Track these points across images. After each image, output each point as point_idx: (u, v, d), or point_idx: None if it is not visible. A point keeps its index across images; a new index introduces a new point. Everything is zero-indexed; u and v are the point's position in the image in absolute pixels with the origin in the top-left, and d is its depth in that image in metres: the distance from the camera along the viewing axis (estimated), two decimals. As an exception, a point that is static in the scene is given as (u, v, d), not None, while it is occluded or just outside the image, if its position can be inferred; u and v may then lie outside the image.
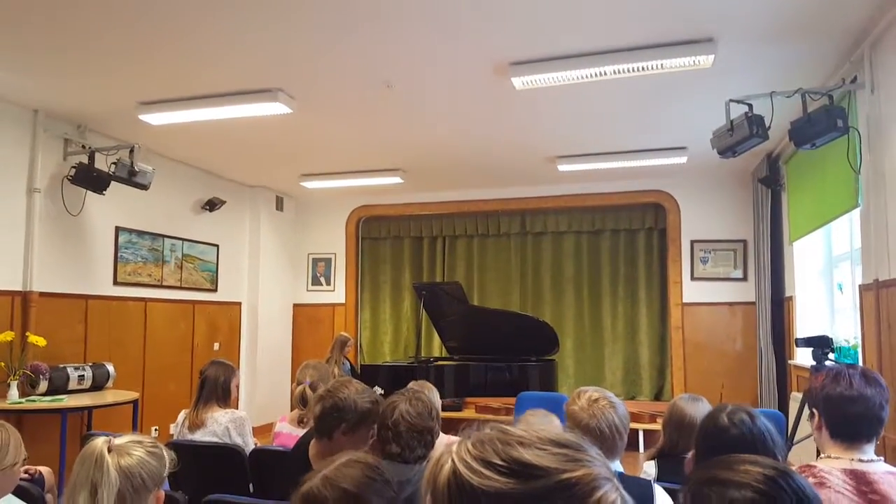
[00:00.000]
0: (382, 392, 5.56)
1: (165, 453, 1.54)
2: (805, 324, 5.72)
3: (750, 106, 3.83)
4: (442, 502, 0.70)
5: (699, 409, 2.56)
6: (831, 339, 3.51)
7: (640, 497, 1.86)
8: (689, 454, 2.08)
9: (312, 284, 8.49)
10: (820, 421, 1.75)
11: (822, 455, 1.76)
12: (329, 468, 1.46)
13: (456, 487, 0.69)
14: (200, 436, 3.02)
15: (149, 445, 1.51)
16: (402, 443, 2.07)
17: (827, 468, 1.64)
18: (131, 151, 5.07)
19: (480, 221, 8.12)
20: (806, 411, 2.47)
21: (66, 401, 4.58)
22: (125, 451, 1.46)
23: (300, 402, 3.12)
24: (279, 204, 8.11)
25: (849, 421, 1.69)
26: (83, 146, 5.25)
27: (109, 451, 1.43)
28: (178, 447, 2.89)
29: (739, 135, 3.84)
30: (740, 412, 1.87)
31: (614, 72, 3.96)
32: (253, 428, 3.32)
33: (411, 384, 3.30)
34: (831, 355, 3.50)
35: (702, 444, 1.87)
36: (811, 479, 1.59)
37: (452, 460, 0.71)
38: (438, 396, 3.27)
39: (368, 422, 2.20)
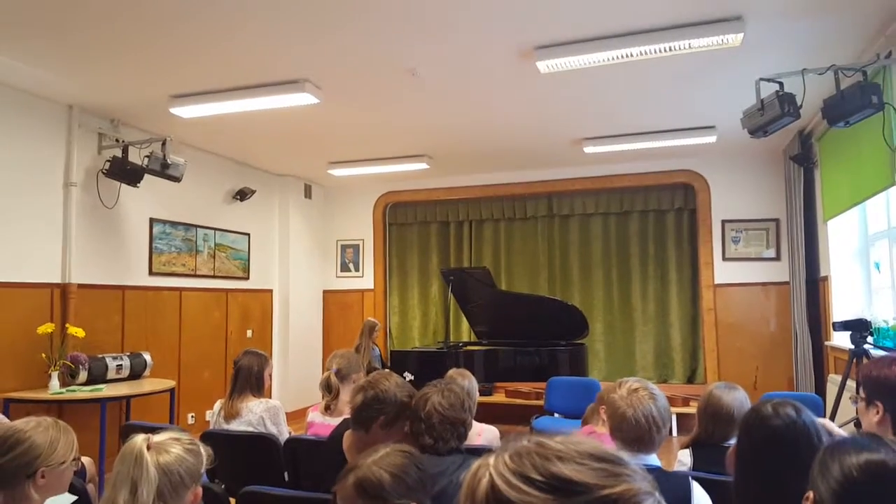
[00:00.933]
0: (412, 378, 5.64)
1: (203, 450, 1.59)
2: (841, 304, 5.60)
3: (781, 84, 3.74)
4: None
5: (735, 397, 2.54)
6: (870, 322, 3.45)
7: (678, 493, 1.84)
8: (731, 446, 2.06)
9: (341, 271, 8.58)
10: (884, 415, 1.64)
11: None
12: (377, 456, 1.52)
13: (495, 502, 0.68)
14: (236, 426, 3.09)
15: (187, 443, 1.56)
16: (435, 434, 2.10)
17: None
18: (163, 144, 5.17)
19: (507, 205, 8.09)
20: (847, 395, 2.41)
21: (105, 390, 4.71)
22: (164, 448, 1.51)
23: (325, 388, 3.17)
24: (307, 192, 8.18)
25: None
26: (117, 140, 5.36)
27: (149, 448, 1.48)
28: (213, 437, 2.99)
29: (770, 114, 3.75)
30: (787, 405, 1.79)
31: (641, 53, 3.89)
32: (287, 414, 3.39)
33: (450, 372, 3.34)
34: (870, 338, 3.43)
35: (743, 436, 1.81)
36: None
37: (490, 474, 0.70)
38: (476, 384, 3.28)
39: (404, 416, 2.23)
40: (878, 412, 1.65)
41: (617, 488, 0.66)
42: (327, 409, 3.16)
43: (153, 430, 1.64)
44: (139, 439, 1.50)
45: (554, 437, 0.72)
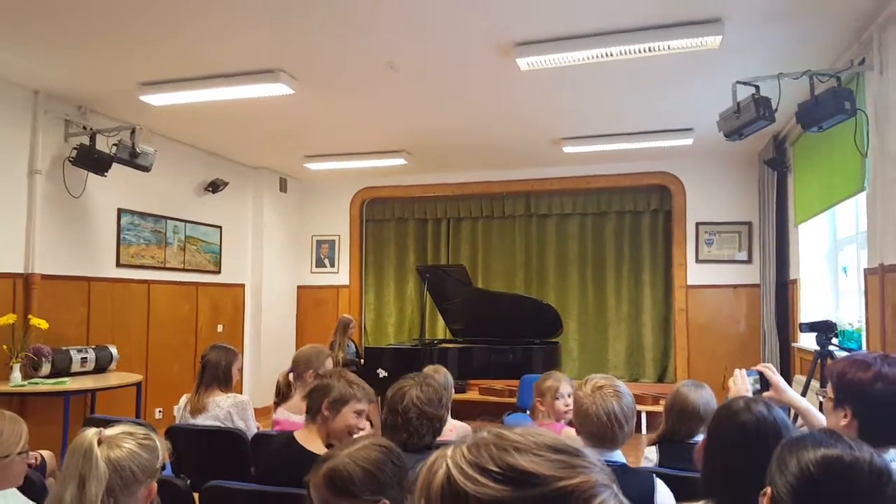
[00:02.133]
0: (386, 375, 5.59)
1: (160, 444, 1.52)
2: (809, 307, 5.70)
3: (757, 88, 3.77)
4: None
5: (702, 395, 2.56)
6: (835, 324, 3.50)
7: (641, 489, 1.84)
8: (699, 442, 2.06)
9: (316, 266, 8.49)
10: (852, 420, 1.61)
11: None
12: (352, 448, 1.49)
13: (450, 494, 0.67)
14: (202, 420, 3.03)
15: (141, 437, 1.49)
16: (411, 429, 2.06)
17: None
18: (133, 133, 5.04)
19: (485, 203, 8.08)
20: (813, 395, 2.43)
21: (69, 383, 4.60)
22: (115, 443, 1.45)
23: (276, 390, 3.19)
24: (283, 185, 8.08)
25: (887, 423, 1.56)
26: (84, 127, 5.22)
27: (100, 443, 1.42)
28: (179, 431, 2.92)
29: (746, 117, 3.78)
30: (758, 401, 1.76)
31: (620, 52, 3.90)
32: (256, 410, 3.34)
33: (426, 369, 3.31)
34: (835, 340, 3.48)
35: (714, 430, 1.76)
36: None
37: (447, 465, 0.69)
38: (451, 380, 3.26)
39: (351, 400, 2.28)
40: (846, 416, 1.63)
41: (573, 480, 0.65)
42: (276, 407, 3.19)
43: (108, 423, 1.58)
44: (90, 433, 1.44)
45: (514, 429, 0.71)
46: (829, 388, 1.72)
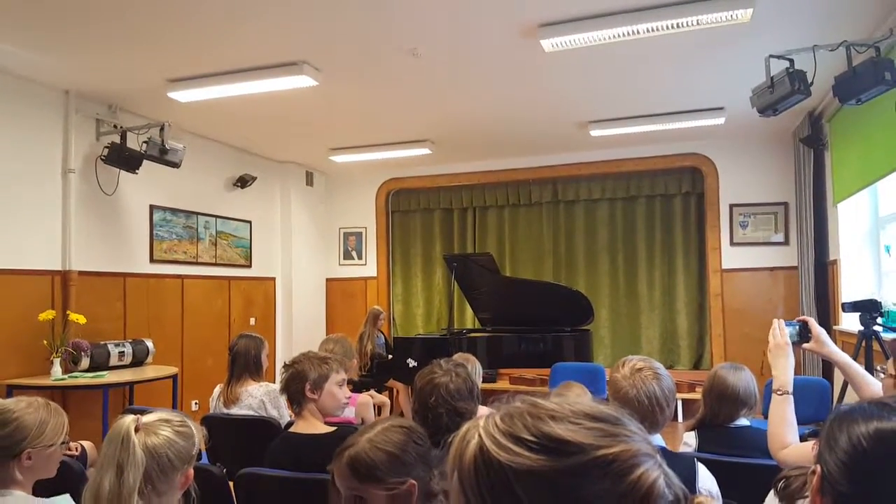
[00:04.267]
0: (415, 365, 5.59)
1: (196, 431, 1.52)
2: (851, 288, 5.52)
3: (791, 61, 3.65)
4: (469, 481, 0.65)
5: (741, 377, 2.49)
6: (880, 302, 3.37)
7: (683, 474, 1.79)
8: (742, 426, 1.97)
9: (344, 259, 8.53)
10: None
11: None
12: (372, 432, 1.47)
13: (483, 465, 0.64)
14: (236, 411, 3.05)
15: (177, 424, 1.49)
16: (441, 426, 2.00)
17: None
18: (162, 129, 5.10)
19: (511, 191, 8.01)
20: (882, 375, 2.31)
21: (108, 377, 4.69)
22: (152, 430, 1.45)
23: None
24: (309, 179, 8.12)
25: None
26: (115, 126, 5.30)
27: (137, 430, 1.43)
28: (214, 420, 2.95)
29: (780, 92, 3.66)
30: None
31: (648, 30, 3.80)
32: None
33: (455, 356, 3.28)
34: (880, 319, 3.36)
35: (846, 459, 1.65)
36: None
37: (479, 435, 0.66)
38: (480, 368, 3.22)
39: (329, 378, 2.38)
40: None
41: (613, 448, 0.62)
42: None
43: (145, 412, 1.59)
44: (127, 420, 1.44)
45: (550, 398, 0.68)
46: (889, 364, 1.63)
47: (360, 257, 8.46)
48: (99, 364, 4.85)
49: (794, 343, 2.04)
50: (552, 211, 8.00)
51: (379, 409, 4.88)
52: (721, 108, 5.72)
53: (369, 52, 4.32)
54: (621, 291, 7.70)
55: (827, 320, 5.98)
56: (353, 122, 6.05)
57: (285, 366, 2.45)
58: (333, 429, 2.32)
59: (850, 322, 4.97)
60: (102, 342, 5.00)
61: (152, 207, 5.88)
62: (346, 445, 1.46)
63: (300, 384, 2.32)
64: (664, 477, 0.63)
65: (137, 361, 5.20)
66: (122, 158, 5.14)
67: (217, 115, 5.69)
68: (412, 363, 5.63)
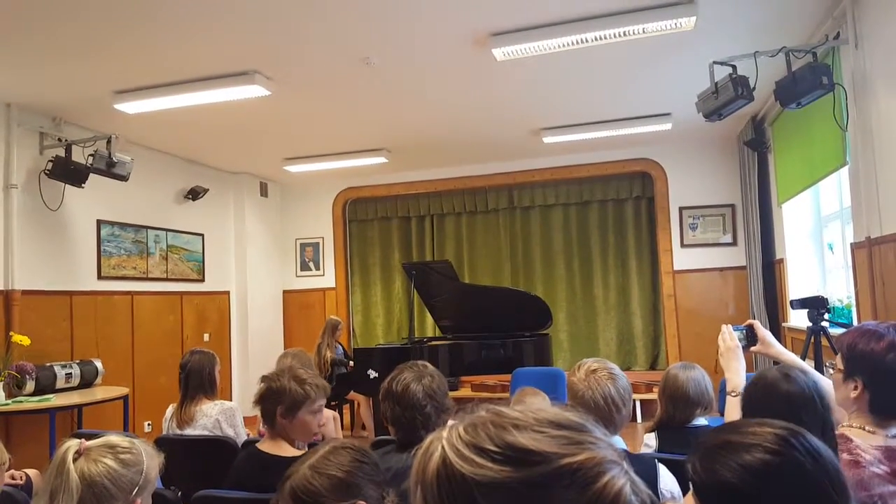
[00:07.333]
0: (376, 376, 5.54)
1: (146, 457, 1.44)
2: (797, 286, 5.72)
3: (734, 67, 3.76)
4: (432, 495, 0.63)
5: (691, 376, 2.54)
6: (826, 299, 3.48)
7: (644, 476, 1.80)
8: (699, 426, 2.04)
9: (301, 270, 8.41)
10: (863, 392, 1.56)
11: (850, 424, 1.61)
12: (314, 458, 1.39)
13: (446, 478, 0.62)
14: (191, 432, 2.96)
15: (121, 451, 1.41)
16: (430, 425, 1.97)
17: (863, 445, 1.51)
18: (108, 142, 4.95)
19: (468, 198, 8.04)
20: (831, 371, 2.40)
21: (54, 400, 4.49)
22: (92, 457, 1.37)
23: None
24: (263, 190, 7.99)
25: None
26: (59, 139, 5.12)
27: (78, 455, 1.35)
28: (168, 442, 2.86)
29: (724, 97, 3.77)
30: (790, 368, 1.72)
31: (595, 38, 3.88)
32: (245, 418, 3.27)
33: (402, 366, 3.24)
34: (827, 315, 3.47)
35: (748, 407, 1.71)
36: (845, 456, 1.48)
37: (443, 447, 0.64)
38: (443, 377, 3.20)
39: (303, 406, 2.25)
40: (856, 388, 1.57)
41: (578, 457, 0.61)
42: None
43: (95, 436, 1.52)
44: (67, 445, 1.37)
45: (514, 406, 0.66)
46: (837, 360, 1.67)
47: (317, 268, 8.36)
48: (45, 387, 4.65)
49: (742, 347, 2.11)
50: (509, 217, 8.06)
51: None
52: (668, 114, 5.86)
53: (322, 61, 4.28)
54: (578, 295, 7.80)
55: (776, 318, 6.17)
56: (307, 131, 5.98)
57: (263, 378, 2.36)
58: (303, 452, 2.26)
59: (799, 319, 5.13)
60: (48, 364, 4.80)
61: (100, 222, 5.69)
62: (287, 475, 1.38)
63: (273, 405, 2.23)
64: (631, 484, 0.62)
65: (86, 383, 5.00)
66: (67, 172, 4.97)
67: (167, 126, 5.55)
68: (373, 374, 5.58)
